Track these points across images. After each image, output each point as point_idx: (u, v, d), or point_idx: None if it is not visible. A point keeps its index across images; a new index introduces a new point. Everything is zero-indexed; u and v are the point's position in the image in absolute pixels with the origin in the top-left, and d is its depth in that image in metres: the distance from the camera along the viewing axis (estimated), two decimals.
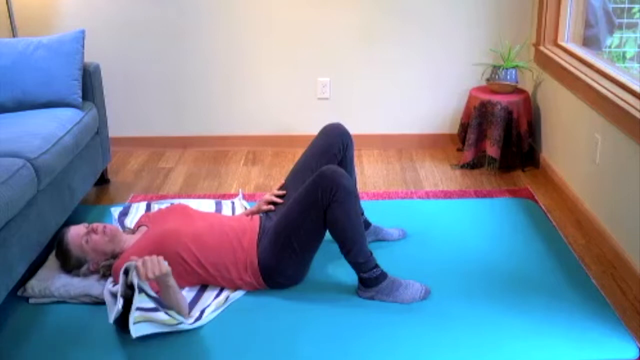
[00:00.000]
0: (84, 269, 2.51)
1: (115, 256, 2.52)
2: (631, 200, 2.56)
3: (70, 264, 2.52)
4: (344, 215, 2.32)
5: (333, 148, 2.67)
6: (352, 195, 2.34)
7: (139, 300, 2.13)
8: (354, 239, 2.35)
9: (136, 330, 2.12)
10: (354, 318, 2.33)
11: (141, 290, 2.14)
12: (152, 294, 2.18)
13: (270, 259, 2.43)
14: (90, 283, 2.47)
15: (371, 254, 2.41)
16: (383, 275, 2.42)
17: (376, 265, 2.41)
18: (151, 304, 2.17)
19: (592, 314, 2.32)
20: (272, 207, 2.67)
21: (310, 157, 2.70)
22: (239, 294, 2.47)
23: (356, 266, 2.41)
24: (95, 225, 2.53)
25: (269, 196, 2.70)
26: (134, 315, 2.11)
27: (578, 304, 2.38)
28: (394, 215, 3.05)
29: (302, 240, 2.39)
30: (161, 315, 2.18)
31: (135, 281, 2.12)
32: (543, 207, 3.17)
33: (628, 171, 2.59)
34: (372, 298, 2.44)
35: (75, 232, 2.52)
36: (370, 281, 2.41)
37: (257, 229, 2.54)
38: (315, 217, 2.35)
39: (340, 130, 2.70)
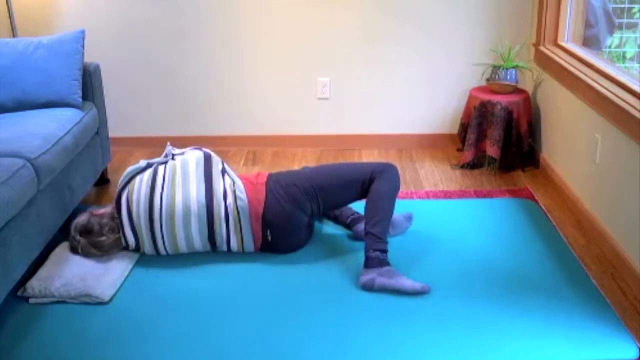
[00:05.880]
0: (109, 237, 2.69)
1: None
2: (631, 200, 2.56)
3: (98, 234, 2.68)
4: (381, 188, 2.64)
5: None
6: (394, 181, 2.69)
7: None
8: (376, 211, 2.59)
9: None
10: (354, 317, 2.33)
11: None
12: None
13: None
14: (91, 283, 2.48)
15: (387, 242, 2.56)
16: (387, 262, 2.51)
17: (385, 252, 2.52)
18: None
19: (592, 314, 2.32)
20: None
21: None
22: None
23: (369, 239, 2.52)
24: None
25: None
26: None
27: (578, 304, 2.38)
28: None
29: (329, 196, 2.67)
30: None
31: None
32: (543, 207, 3.17)
33: (628, 171, 2.59)
34: (372, 282, 2.46)
35: (78, 220, 2.72)
36: (374, 261, 2.49)
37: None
38: (355, 186, 2.69)
39: None
